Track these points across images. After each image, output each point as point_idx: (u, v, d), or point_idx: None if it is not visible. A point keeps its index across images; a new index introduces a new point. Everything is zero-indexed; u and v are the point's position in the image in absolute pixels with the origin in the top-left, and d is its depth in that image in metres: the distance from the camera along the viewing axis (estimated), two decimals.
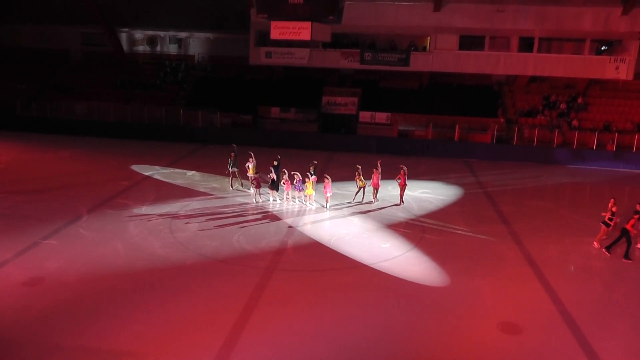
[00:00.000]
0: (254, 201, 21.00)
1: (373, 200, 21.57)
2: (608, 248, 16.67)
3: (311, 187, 20.45)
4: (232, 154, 22.89)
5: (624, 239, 16.24)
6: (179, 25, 41.28)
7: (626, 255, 16.17)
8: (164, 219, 18.56)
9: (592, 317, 12.66)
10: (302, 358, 10.57)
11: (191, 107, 36.74)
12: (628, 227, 16.10)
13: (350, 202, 21.39)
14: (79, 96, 38.33)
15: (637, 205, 17.17)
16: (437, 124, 34.77)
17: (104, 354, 10.48)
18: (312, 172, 20.77)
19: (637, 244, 16.90)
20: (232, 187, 22.94)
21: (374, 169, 21.30)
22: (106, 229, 17.38)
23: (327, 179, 20.18)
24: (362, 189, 21.46)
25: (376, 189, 21.46)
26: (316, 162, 21.70)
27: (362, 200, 21.50)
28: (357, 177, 21.28)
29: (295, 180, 20.63)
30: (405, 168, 21.47)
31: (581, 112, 34.78)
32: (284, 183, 20.81)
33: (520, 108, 35.75)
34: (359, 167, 21.51)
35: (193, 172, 26.01)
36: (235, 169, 22.85)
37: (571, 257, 16.59)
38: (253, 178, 21.55)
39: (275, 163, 21.64)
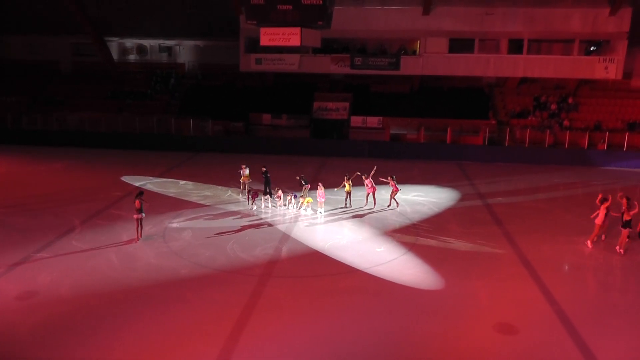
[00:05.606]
0: (249, 206, 21.03)
1: (365, 202, 21.64)
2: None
3: (306, 193, 20.58)
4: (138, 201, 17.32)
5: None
6: (168, 33, 41.31)
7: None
8: (158, 228, 18.47)
9: (588, 315, 12.68)
10: None
11: (183, 116, 36.70)
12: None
13: (342, 207, 21.39)
14: (70, 107, 38.21)
15: None
16: (429, 127, 34.87)
17: None
18: (305, 182, 20.87)
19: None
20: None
21: (389, 178, 21.48)
22: (99, 240, 17.26)
23: (320, 186, 20.20)
24: (349, 194, 21.47)
25: (370, 193, 21.52)
26: (303, 175, 21.69)
27: (347, 205, 21.54)
28: (345, 180, 21.32)
29: (289, 197, 20.79)
30: (390, 177, 21.55)
31: (572, 112, 34.99)
32: (277, 198, 20.92)
33: (511, 109, 35.92)
34: (358, 173, 21.70)
35: (185, 181, 25.93)
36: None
37: (565, 257, 16.63)
38: (248, 190, 21.74)
39: (264, 169, 21.83)
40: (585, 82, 37.02)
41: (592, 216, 17.39)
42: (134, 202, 16.83)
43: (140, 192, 17.22)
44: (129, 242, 16.81)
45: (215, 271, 14.95)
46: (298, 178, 21.27)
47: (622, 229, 16.64)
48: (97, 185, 24.99)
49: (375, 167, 21.97)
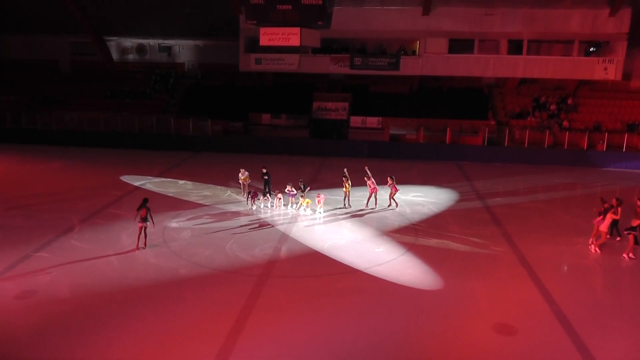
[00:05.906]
0: (249, 206, 21.02)
1: (366, 204, 21.63)
2: None
3: (306, 194, 20.62)
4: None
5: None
6: (168, 33, 41.27)
7: None
8: (157, 228, 18.40)
9: (586, 316, 12.69)
10: None
11: (182, 115, 36.68)
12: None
13: (342, 207, 21.39)
14: (70, 107, 38.18)
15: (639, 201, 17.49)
16: (428, 128, 34.86)
17: None
18: (305, 186, 20.90)
19: None
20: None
21: (389, 178, 21.50)
22: (98, 239, 17.26)
23: (319, 194, 20.24)
24: (347, 193, 21.48)
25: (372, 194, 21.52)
26: (302, 180, 21.69)
27: (346, 205, 21.53)
28: (344, 181, 21.33)
29: (288, 188, 20.75)
30: (389, 178, 21.55)
31: (571, 113, 34.99)
32: (279, 199, 20.91)
33: (511, 110, 35.91)
34: (345, 169, 21.66)
35: (185, 180, 25.92)
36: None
37: (564, 257, 16.63)
38: (249, 190, 21.73)
39: (264, 170, 21.79)
40: (584, 83, 37.00)
41: (595, 221, 17.16)
42: (139, 210, 16.14)
43: (146, 200, 16.51)
44: (130, 251, 16.34)
45: (215, 271, 14.94)
46: (299, 191, 21.27)
47: (626, 233, 16.57)
48: (96, 184, 24.96)
49: (367, 167, 21.85)
